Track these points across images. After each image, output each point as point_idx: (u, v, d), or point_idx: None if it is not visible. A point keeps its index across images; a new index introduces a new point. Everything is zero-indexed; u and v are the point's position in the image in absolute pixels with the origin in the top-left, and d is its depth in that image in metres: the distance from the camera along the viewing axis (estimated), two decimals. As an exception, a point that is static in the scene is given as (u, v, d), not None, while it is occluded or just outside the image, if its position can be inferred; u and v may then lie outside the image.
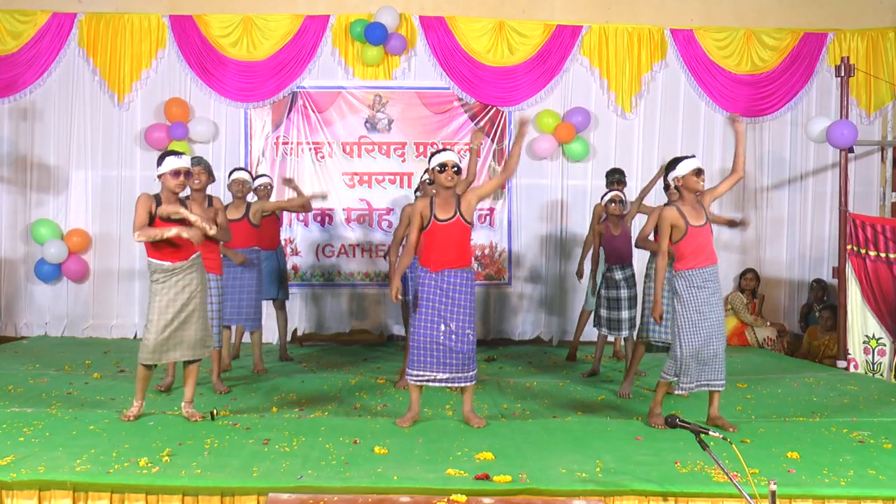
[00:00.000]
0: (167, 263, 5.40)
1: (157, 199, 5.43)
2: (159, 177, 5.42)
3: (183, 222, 5.36)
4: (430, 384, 5.50)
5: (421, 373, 5.45)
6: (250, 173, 7.60)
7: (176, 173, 5.38)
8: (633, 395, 6.58)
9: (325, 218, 9.64)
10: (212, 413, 5.55)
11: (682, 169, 5.45)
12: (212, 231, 5.42)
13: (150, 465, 4.39)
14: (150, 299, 5.46)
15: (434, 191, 5.69)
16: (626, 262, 7.12)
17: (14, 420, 5.35)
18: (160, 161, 5.44)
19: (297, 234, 9.62)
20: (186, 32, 9.44)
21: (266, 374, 7.40)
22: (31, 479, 4.19)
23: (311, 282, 9.64)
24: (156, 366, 5.59)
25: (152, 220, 5.35)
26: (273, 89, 9.48)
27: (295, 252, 9.61)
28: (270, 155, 9.57)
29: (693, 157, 5.55)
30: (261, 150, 9.57)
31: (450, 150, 5.62)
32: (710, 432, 3.80)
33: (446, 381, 5.43)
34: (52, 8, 9.44)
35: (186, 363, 5.63)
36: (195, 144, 9.42)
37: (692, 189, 5.45)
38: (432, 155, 5.56)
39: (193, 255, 5.53)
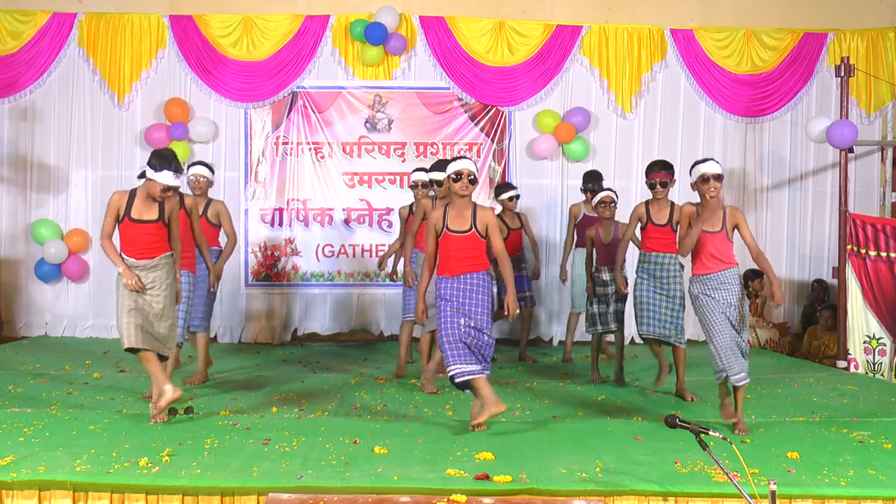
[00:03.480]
0: (131, 260, 5.39)
1: (131, 196, 5.37)
2: (148, 179, 5.30)
3: (161, 207, 5.40)
4: (480, 375, 5.28)
5: (466, 366, 5.24)
6: (210, 168, 7.00)
7: (166, 189, 5.33)
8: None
9: (326, 218, 9.64)
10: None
11: (693, 175, 5.47)
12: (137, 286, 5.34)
13: (150, 465, 4.39)
14: (117, 289, 5.43)
15: (447, 197, 5.62)
16: (615, 264, 7.06)
17: (14, 420, 5.34)
18: (159, 165, 5.26)
19: (297, 234, 9.62)
20: (186, 32, 9.44)
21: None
22: (31, 479, 4.19)
23: (310, 282, 9.64)
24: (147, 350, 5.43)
25: (122, 220, 5.34)
26: (273, 89, 9.49)
27: (295, 252, 9.61)
28: (270, 155, 9.58)
29: (707, 160, 5.47)
30: (261, 150, 9.57)
31: (467, 157, 5.49)
32: (710, 432, 3.80)
33: (481, 371, 5.30)
34: (52, 8, 9.44)
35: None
36: (195, 144, 9.43)
37: (702, 194, 5.43)
38: (447, 162, 5.46)
39: (161, 256, 5.46)
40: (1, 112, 9.48)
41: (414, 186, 7.30)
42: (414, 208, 7.18)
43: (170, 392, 5.35)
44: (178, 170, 5.33)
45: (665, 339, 6.47)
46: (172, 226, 5.53)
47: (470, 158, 5.52)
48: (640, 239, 6.73)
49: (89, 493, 4.18)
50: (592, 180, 8.08)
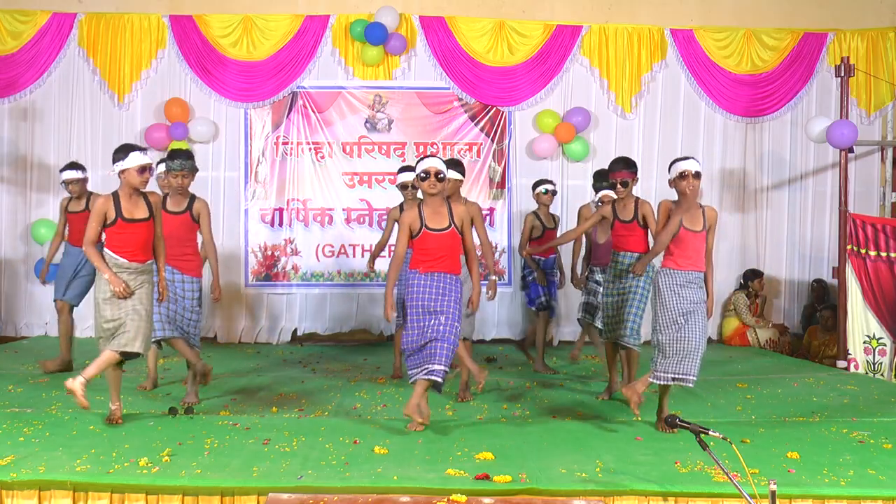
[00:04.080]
0: (123, 260, 5.29)
1: (116, 199, 5.28)
2: (121, 172, 5.25)
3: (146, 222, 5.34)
4: (430, 377, 5.28)
5: (417, 371, 5.32)
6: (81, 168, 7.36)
7: (143, 170, 5.27)
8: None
9: (326, 218, 9.64)
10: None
11: (672, 171, 5.50)
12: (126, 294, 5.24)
13: (150, 465, 4.39)
14: (95, 291, 5.33)
15: (419, 196, 5.61)
16: (607, 265, 6.91)
17: (14, 420, 5.35)
18: (123, 154, 5.26)
19: (298, 234, 9.62)
20: (186, 32, 9.44)
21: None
22: (31, 479, 4.19)
23: (310, 282, 9.64)
24: (122, 363, 5.39)
25: (114, 222, 5.25)
26: (273, 89, 9.49)
27: (295, 252, 9.61)
28: (270, 155, 9.58)
29: (687, 159, 5.49)
30: (261, 150, 9.58)
31: (434, 156, 5.45)
32: (710, 432, 3.80)
33: (440, 373, 5.23)
34: (52, 8, 9.44)
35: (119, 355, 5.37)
36: (195, 144, 9.43)
37: (679, 191, 5.46)
38: (417, 162, 5.48)
39: (150, 261, 5.42)
40: (1, 112, 9.48)
41: (403, 187, 7.06)
42: (406, 209, 6.98)
43: (117, 411, 5.36)
44: (142, 149, 5.35)
45: (618, 340, 6.27)
46: (157, 223, 5.46)
47: (437, 156, 5.51)
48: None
49: (89, 493, 4.19)
50: (605, 178, 7.86)
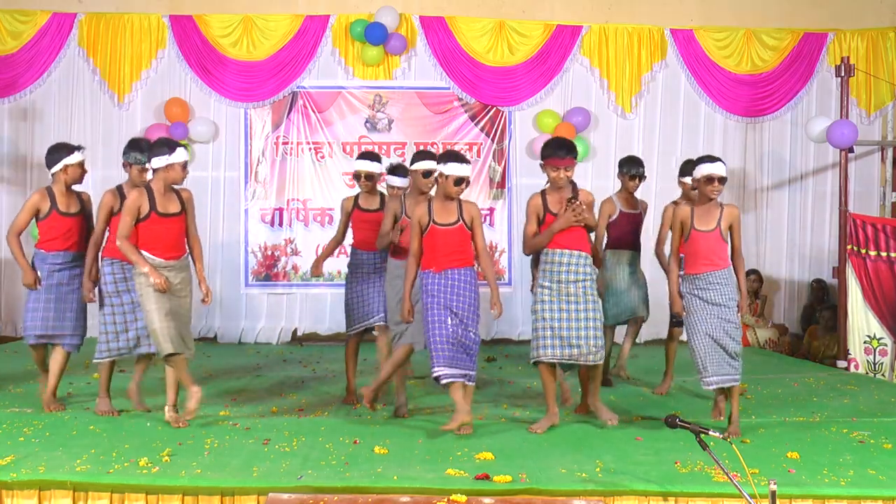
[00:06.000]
0: (159, 260, 5.20)
1: (150, 193, 5.17)
2: (167, 166, 5.11)
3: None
4: (465, 381, 5.18)
5: (452, 370, 5.13)
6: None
7: (185, 165, 5.22)
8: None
9: (326, 218, 9.64)
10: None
11: (697, 173, 5.40)
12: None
13: (150, 465, 4.39)
14: (140, 291, 5.17)
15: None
16: None
17: (14, 420, 5.35)
18: (168, 150, 5.12)
19: (298, 234, 9.62)
20: (186, 32, 9.44)
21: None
22: (31, 479, 4.20)
23: (310, 282, 9.63)
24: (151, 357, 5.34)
25: (147, 217, 5.14)
26: (273, 89, 9.49)
27: (295, 252, 9.61)
28: (270, 155, 9.58)
29: (715, 161, 5.36)
30: (261, 150, 9.58)
31: (468, 163, 5.32)
32: (710, 432, 3.79)
33: (470, 378, 5.19)
34: (52, 8, 9.44)
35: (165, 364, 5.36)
36: (195, 144, 9.43)
37: (703, 193, 5.39)
38: (447, 157, 5.28)
39: (186, 254, 5.37)
40: (1, 112, 9.47)
41: (357, 177, 6.35)
42: (361, 202, 6.35)
43: (198, 392, 5.28)
44: (183, 144, 5.31)
45: (574, 360, 5.29)
46: (190, 219, 5.37)
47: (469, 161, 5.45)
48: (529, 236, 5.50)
49: (89, 493, 4.19)
50: (635, 165, 6.75)
